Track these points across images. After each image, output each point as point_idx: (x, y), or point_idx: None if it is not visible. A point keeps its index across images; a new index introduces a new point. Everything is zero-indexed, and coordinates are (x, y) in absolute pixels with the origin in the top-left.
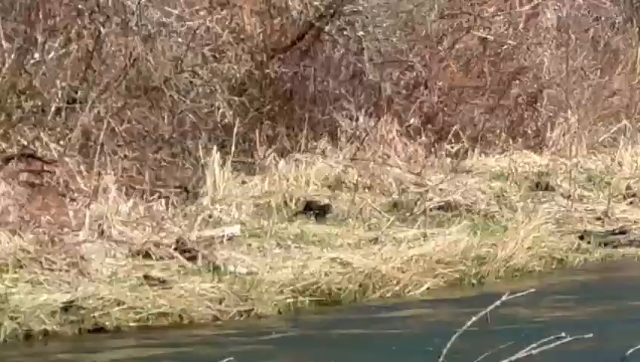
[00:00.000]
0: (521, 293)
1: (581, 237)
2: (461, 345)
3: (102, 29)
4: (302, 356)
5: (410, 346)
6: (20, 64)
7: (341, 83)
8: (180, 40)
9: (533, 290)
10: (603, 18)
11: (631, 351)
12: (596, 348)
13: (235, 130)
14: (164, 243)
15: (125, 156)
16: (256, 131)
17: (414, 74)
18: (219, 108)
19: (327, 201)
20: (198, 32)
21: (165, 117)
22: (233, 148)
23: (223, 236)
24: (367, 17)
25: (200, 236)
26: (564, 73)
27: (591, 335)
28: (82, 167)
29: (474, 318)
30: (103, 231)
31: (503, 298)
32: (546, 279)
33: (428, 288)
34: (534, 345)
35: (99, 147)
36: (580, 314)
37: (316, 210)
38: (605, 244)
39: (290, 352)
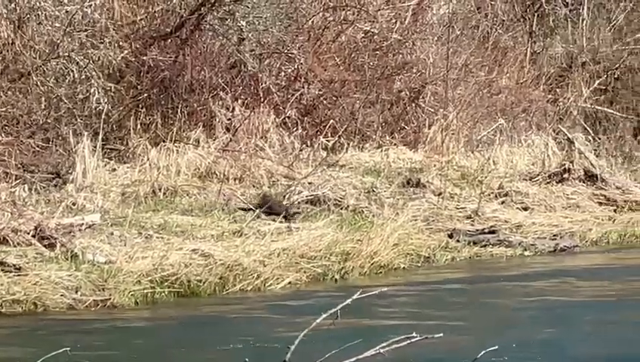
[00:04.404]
0: (373, 292)
1: (450, 236)
2: (311, 343)
3: None
4: (151, 347)
5: (261, 342)
6: None
7: (219, 73)
8: (56, 25)
9: (385, 289)
10: (492, 15)
11: (482, 352)
12: (449, 348)
13: (109, 117)
14: (23, 229)
15: None
16: (132, 119)
17: (295, 66)
18: (94, 95)
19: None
20: (75, 17)
21: (41, 102)
22: (106, 135)
23: (83, 224)
24: (248, 7)
25: (59, 223)
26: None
27: (441, 335)
28: None
29: (324, 315)
30: None
31: (354, 296)
32: (410, 276)
33: (289, 282)
34: (383, 344)
35: None
36: (437, 313)
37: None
38: (474, 243)
39: (139, 343)
